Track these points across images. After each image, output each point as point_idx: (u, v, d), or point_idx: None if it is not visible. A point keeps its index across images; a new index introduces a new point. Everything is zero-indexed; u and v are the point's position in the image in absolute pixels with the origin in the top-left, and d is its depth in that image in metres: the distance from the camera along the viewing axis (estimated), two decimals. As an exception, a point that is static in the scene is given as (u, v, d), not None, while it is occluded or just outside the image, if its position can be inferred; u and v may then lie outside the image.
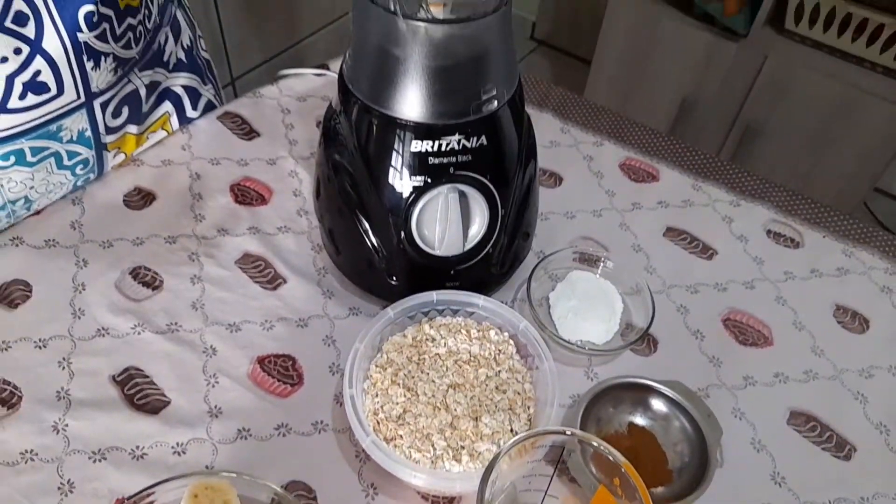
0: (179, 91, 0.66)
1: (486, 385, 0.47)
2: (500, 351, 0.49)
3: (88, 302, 0.54)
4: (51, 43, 0.49)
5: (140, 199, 0.62)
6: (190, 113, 0.68)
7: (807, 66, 1.39)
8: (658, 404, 0.50)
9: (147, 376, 0.50)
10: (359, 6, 0.45)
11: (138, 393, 0.49)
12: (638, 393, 0.50)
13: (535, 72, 2.22)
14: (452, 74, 0.45)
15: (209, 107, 0.70)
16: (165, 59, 0.63)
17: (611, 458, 0.35)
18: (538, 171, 0.56)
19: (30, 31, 0.47)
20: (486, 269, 0.54)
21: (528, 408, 0.46)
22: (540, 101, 0.76)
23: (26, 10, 0.46)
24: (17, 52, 0.47)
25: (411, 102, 0.46)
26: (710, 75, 1.52)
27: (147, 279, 0.56)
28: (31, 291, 0.54)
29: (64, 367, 0.50)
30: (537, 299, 0.57)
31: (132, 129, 0.62)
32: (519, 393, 0.47)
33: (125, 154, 0.63)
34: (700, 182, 0.68)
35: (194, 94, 0.68)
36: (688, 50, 1.52)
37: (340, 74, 0.50)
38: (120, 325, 0.52)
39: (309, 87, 0.74)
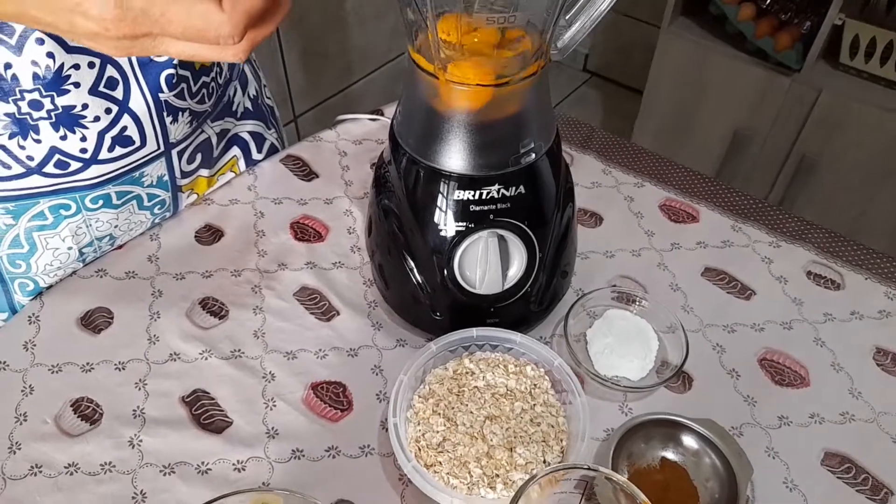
0: (246, 136, 0.72)
1: (522, 417, 0.49)
2: (535, 385, 0.51)
3: (162, 329, 0.59)
4: (136, 102, 0.55)
5: (210, 235, 0.67)
6: (255, 156, 0.74)
7: (863, 100, 1.38)
8: (689, 441, 0.51)
9: (213, 398, 0.55)
10: (408, 69, 0.50)
11: (204, 413, 0.54)
12: (670, 429, 0.52)
13: (587, 103, 2.25)
14: (492, 131, 0.49)
15: (272, 149, 0.76)
16: (234, 108, 0.69)
17: (635, 496, 0.38)
18: (576, 212, 0.59)
19: (119, 93, 0.54)
20: (526, 306, 0.57)
21: (561, 440, 0.49)
22: (583, 143, 0.79)
23: (116, 75, 0.53)
24: (108, 111, 0.54)
25: (454, 156, 0.50)
26: (763, 109, 1.52)
27: (214, 309, 0.61)
28: (112, 319, 0.60)
29: (140, 388, 0.55)
30: (575, 335, 0.59)
31: (204, 172, 0.68)
32: (552, 426, 0.49)
33: (197, 194, 0.69)
34: (740, 223, 0.70)
35: (259, 139, 0.74)
36: (739, 84, 1.52)
37: (391, 128, 0.55)
38: (189, 351, 0.58)
39: (364, 130, 0.80)
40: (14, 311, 0.61)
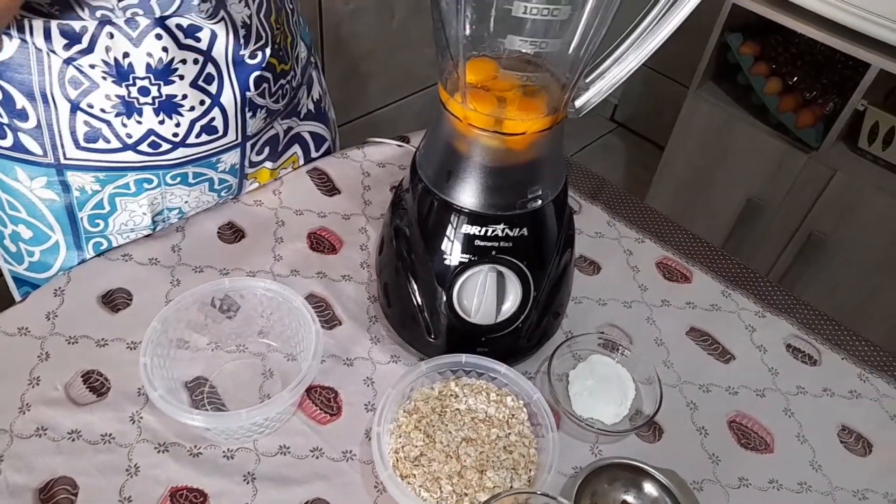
0: (307, 136, 0.79)
1: (496, 444, 0.53)
2: (513, 416, 0.55)
3: (174, 319, 0.63)
4: (227, 97, 0.62)
5: (232, 233, 0.72)
6: (313, 154, 0.81)
7: (877, 186, 1.41)
8: (650, 488, 0.54)
9: (213, 386, 0.59)
10: (437, 107, 0.54)
11: (203, 399, 0.58)
12: (634, 474, 0.55)
13: (609, 151, 2.29)
14: (503, 175, 0.53)
15: (328, 151, 0.83)
16: (299, 109, 0.76)
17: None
18: (575, 258, 0.63)
19: (213, 88, 0.61)
20: (516, 340, 0.60)
21: (530, 470, 0.52)
22: (593, 194, 0.83)
23: (213, 72, 0.61)
24: (202, 102, 0.61)
25: (465, 193, 0.54)
26: (778, 181, 1.55)
27: (224, 307, 0.65)
28: (131, 300, 0.64)
29: (147, 369, 0.59)
30: (558, 374, 0.63)
31: (268, 164, 0.75)
32: (524, 455, 0.53)
33: (259, 182, 0.76)
34: (730, 290, 0.73)
35: (319, 139, 0.81)
36: (758, 154, 1.56)
37: (414, 157, 0.59)
38: (198, 341, 0.61)
39: (389, 154, 0.84)
40: None
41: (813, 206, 1.51)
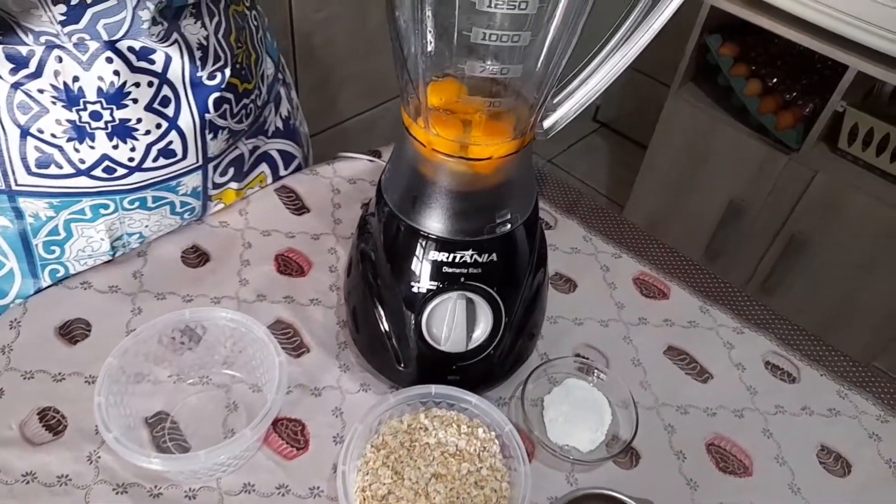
0: (275, 154, 0.77)
1: (466, 479, 0.51)
2: (484, 448, 0.53)
3: (136, 349, 0.61)
4: (184, 120, 0.60)
5: (196, 257, 0.69)
6: (282, 172, 0.79)
7: (857, 187, 1.41)
8: (627, 519, 0.53)
9: (175, 422, 0.57)
10: (399, 134, 0.53)
11: (164, 436, 0.56)
12: (609, 505, 0.54)
13: (593, 152, 2.28)
14: (470, 201, 0.52)
15: (298, 168, 0.81)
16: (266, 127, 0.74)
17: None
18: (552, 276, 0.61)
19: (170, 111, 0.59)
20: (489, 366, 0.59)
21: (502, 505, 0.50)
22: (569, 208, 0.82)
23: (170, 94, 0.58)
24: (158, 126, 0.59)
25: (431, 218, 0.52)
26: (760, 183, 1.54)
27: (188, 336, 0.63)
28: (90, 331, 0.62)
29: (106, 404, 0.57)
30: (533, 399, 0.61)
31: (234, 185, 0.73)
32: (495, 490, 0.51)
33: (224, 203, 0.74)
34: (708, 305, 0.72)
35: (288, 157, 0.79)
36: (739, 155, 1.55)
37: (379, 180, 0.57)
38: (159, 373, 0.59)
39: (360, 170, 0.82)
40: None
41: (795, 208, 1.51)
